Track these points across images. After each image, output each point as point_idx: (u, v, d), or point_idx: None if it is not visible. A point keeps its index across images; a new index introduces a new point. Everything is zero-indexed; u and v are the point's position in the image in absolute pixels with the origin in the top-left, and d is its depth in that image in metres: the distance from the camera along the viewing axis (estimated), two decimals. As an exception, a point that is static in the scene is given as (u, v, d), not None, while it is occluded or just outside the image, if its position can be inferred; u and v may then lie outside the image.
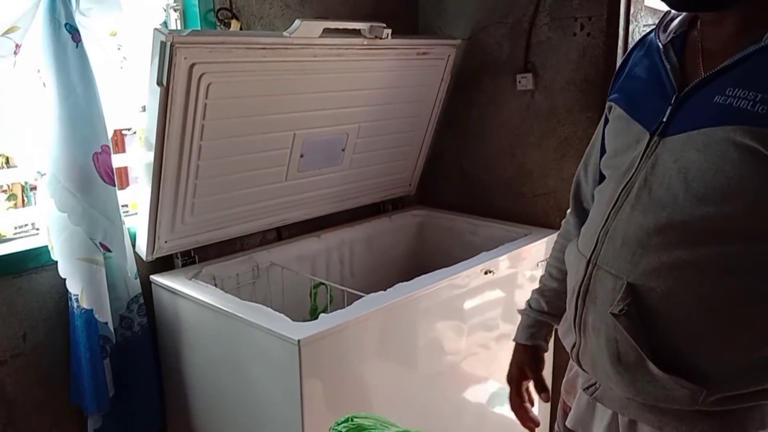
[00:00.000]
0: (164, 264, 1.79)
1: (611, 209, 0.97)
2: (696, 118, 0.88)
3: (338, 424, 1.13)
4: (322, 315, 1.52)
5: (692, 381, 0.87)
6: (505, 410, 2.06)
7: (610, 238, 0.96)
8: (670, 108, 0.92)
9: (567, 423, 1.13)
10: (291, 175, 1.93)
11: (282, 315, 1.49)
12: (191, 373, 1.72)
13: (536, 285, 1.29)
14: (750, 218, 0.84)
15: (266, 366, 1.48)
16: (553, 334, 1.28)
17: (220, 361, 1.61)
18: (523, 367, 1.27)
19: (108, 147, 1.56)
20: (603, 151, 1.08)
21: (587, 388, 1.05)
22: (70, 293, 1.57)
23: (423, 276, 1.73)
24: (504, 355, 1.96)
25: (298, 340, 1.36)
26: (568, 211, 1.25)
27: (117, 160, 1.86)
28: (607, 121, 1.08)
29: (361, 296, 1.61)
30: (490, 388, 1.98)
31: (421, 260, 2.37)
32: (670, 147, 0.90)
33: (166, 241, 1.73)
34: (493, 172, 2.30)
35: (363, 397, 1.55)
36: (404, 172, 2.37)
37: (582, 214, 1.18)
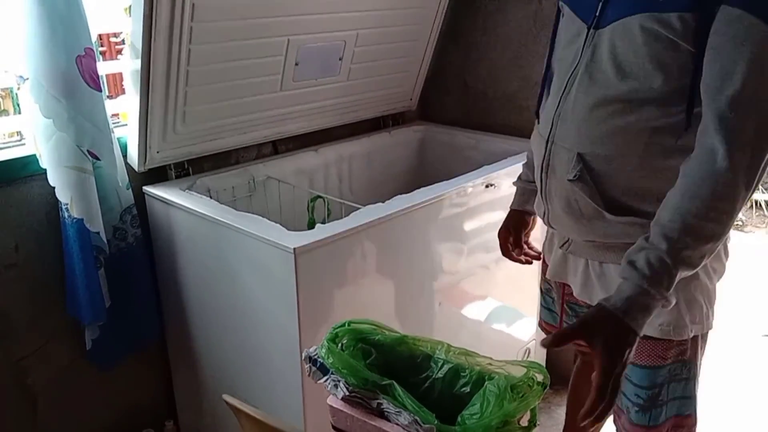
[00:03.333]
0: (157, 176, 1.75)
1: (561, 95, 1.17)
2: (619, 9, 1.07)
3: (335, 329, 1.12)
4: (318, 225, 1.49)
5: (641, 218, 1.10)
6: (503, 327, 2.08)
7: (562, 119, 1.17)
8: (600, 3, 1.10)
9: (546, 275, 1.39)
10: (286, 85, 1.85)
11: (278, 225, 1.45)
12: (188, 284, 1.70)
13: None
14: (662, 87, 1.05)
15: (263, 276, 1.46)
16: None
17: (217, 272, 1.60)
18: (509, 228, 1.49)
19: (92, 50, 1.48)
20: (552, 48, 1.29)
21: (562, 245, 1.28)
22: (61, 203, 1.54)
23: (422, 189, 1.69)
24: (502, 274, 1.96)
25: (294, 249, 1.34)
26: None
27: (108, 67, 1.80)
28: (558, 21, 1.27)
29: (359, 208, 1.58)
30: (488, 305, 1.98)
31: (422, 177, 2.32)
32: (604, 37, 1.09)
33: (158, 152, 1.68)
34: (496, 85, 2.22)
35: (359, 309, 1.54)
36: (405, 86, 2.29)
37: None
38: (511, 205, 1.51)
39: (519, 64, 2.14)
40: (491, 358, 1.10)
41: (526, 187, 1.47)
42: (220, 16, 1.57)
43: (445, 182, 1.73)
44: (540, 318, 1.53)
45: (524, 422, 0.99)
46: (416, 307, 1.72)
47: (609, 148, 1.11)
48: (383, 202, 1.60)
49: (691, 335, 1.19)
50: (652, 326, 1.13)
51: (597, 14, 1.11)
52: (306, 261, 1.36)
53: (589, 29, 1.12)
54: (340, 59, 1.96)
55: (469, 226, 1.80)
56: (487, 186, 1.78)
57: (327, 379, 1.09)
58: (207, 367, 1.77)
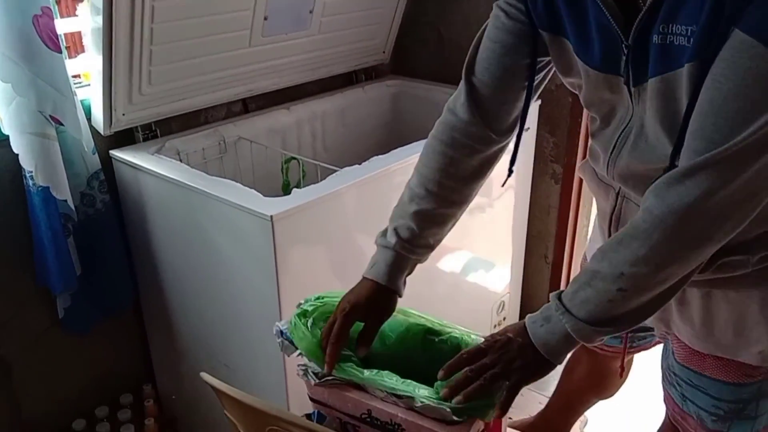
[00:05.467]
0: (125, 139, 1.68)
1: (610, 155, 0.98)
2: (654, 63, 0.83)
3: (306, 302, 1.10)
4: (295, 190, 1.46)
5: (740, 254, 0.92)
6: (478, 278, 2.10)
7: (621, 177, 0.98)
8: (624, 58, 0.87)
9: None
10: (255, 41, 1.78)
11: (253, 190, 1.42)
12: (161, 250, 1.67)
13: None
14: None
15: (239, 243, 1.44)
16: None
17: (191, 238, 1.56)
18: (370, 308, 1.06)
19: (49, 9, 1.39)
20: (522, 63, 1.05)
21: None
22: (25, 170, 1.47)
23: (399, 148, 1.67)
24: (475, 225, 1.96)
25: (271, 216, 1.31)
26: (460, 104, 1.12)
27: (67, 25, 1.70)
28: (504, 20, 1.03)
29: (335, 170, 1.55)
30: (463, 257, 1.98)
31: (397, 133, 2.29)
32: (648, 94, 0.87)
33: (123, 114, 1.61)
34: (473, 36, 2.15)
35: (339, 273, 1.53)
36: (378, 38, 2.22)
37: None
38: (379, 276, 1.07)
39: (494, 15, 2.08)
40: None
41: (406, 252, 1.10)
42: (185, -30, 1.48)
43: (421, 141, 1.69)
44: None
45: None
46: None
47: None
48: (359, 162, 1.57)
49: None
50: (748, 353, 1.00)
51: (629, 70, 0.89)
52: (284, 228, 1.34)
53: (627, 83, 0.91)
54: (310, 12, 1.88)
55: (445, 184, 1.78)
56: (463, 144, 1.75)
57: (299, 355, 1.07)
58: (184, 333, 1.75)
